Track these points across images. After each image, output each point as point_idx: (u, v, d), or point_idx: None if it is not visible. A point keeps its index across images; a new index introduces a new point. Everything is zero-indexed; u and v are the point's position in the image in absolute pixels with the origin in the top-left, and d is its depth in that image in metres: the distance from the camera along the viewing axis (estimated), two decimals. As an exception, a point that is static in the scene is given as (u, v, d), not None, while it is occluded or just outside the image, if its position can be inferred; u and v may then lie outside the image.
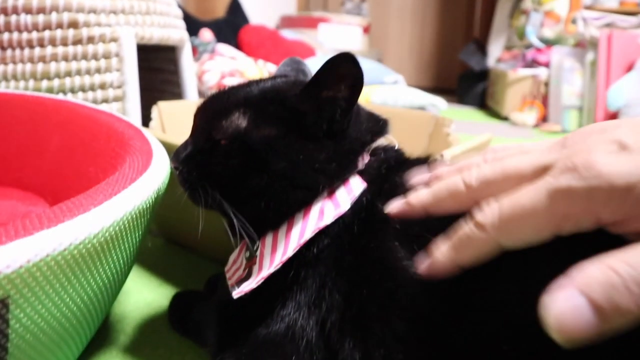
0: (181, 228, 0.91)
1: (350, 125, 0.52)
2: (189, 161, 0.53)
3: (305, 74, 0.67)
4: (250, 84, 0.56)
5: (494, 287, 0.37)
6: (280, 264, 0.48)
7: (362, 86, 0.49)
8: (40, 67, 1.08)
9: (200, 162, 0.52)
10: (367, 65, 2.65)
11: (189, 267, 0.90)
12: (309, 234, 0.48)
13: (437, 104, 2.12)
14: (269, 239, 0.51)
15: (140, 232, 0.57)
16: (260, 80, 0.57)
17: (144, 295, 0.79)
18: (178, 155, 0.54)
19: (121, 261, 0.53)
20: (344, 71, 0.48)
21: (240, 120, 0.51)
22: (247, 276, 0.51)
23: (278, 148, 0.49)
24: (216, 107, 0.54)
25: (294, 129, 0.50)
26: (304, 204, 0.50)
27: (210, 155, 0.52)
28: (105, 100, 1.17)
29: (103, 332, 0.68)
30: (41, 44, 1.07)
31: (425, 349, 0.40)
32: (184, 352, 0.65)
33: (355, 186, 0.51)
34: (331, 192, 0.50)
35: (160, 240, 1.00)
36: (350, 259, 0.47)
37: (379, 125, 0.57)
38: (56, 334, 0.46)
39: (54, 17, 1.07)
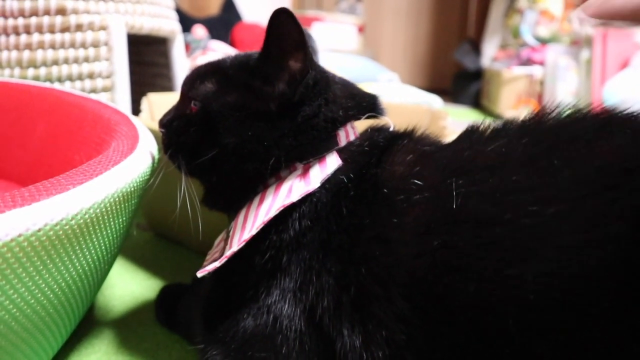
0: (170, 221, 0.88)
1: (308, 101, 0.50)
2: (169, 125, 0.55)
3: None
4: (232, 55, 0.56)
5: (495, 259, 0.35)
6: (244, 243, 0.46)
7: (307, 53, 0.48)
8: (26, 54, 1.04)
9: (174, 127, 0.54)
10: (361, 63, 2.62)
11: (177, 261, 0.87)
12: (274, 211, 0.46)
13: (432, 102, 2.09)
14: (240, 217, 0.49)
15: (124, 219, 0.54)
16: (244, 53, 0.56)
17: (131, 289, 0.76)
18: (162, 119, 0.56)
19: (103, 248, 0.50)
20: (288, 39, 0.48)
21: (211, 83, 0.53)
22: (220, 257, 0.49)
23: (232, 121, 0.49)
24: (198, 72, 0.55)
25: (251, 98, 0.50)
26: (261, 177, 0.50)
27: (180, 120, 0.54)
28: (94, 90, 1.13)
29: (87, 325, 0.65)
30: (27, 31, 1.04)
31: (427, 327, 0.38)
32: (170, 347, 0.62)
33: (330, 164, 0.49)
34: (306, 170, 0.49)
35: (149, 235, 0.97)
36: (342, 238, 0.44)
37: (358, 103, 0.53)
38: (31, 322, 0.43)
39: (41, 3, 1.03)
